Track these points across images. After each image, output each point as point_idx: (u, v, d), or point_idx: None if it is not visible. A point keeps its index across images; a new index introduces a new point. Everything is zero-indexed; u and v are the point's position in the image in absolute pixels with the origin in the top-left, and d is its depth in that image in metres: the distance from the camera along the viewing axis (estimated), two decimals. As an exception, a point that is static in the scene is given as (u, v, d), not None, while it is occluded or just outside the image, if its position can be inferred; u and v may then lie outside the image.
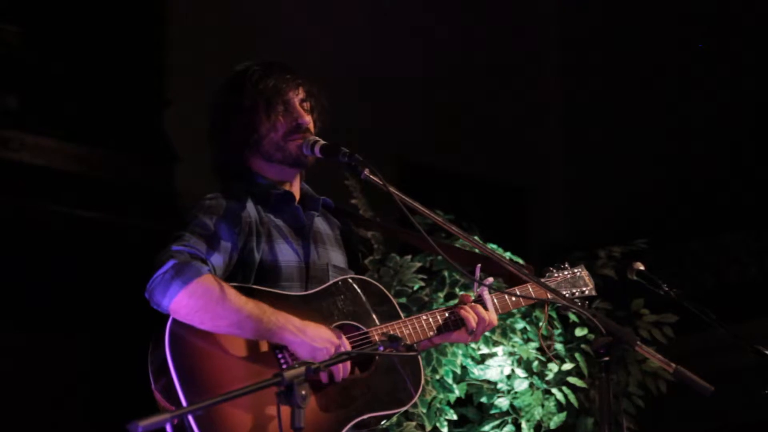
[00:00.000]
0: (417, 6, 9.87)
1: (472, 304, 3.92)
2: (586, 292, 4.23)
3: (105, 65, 7.97)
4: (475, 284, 3.91)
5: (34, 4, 7.82)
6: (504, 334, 5.61)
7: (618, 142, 10.05)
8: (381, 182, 3.59)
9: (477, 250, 3.93)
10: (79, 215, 7.73)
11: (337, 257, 3.92)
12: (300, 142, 3.80)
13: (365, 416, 3.62)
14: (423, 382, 3.77)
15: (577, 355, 5.71)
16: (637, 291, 5.02)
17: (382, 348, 3.29)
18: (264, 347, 3.55)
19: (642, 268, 4.21)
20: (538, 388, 5.62)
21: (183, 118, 8.14)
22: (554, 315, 5.81)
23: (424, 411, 5.48)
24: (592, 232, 9.27)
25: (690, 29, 9.72)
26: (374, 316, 3.78)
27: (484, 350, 5.57)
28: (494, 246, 5.41)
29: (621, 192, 10.03)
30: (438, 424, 5.50)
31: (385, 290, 3.86)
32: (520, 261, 5.50)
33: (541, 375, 5.64)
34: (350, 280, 3.83)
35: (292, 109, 3.83)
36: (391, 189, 3.53)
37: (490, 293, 3.95)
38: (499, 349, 5.59)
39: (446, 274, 5.70)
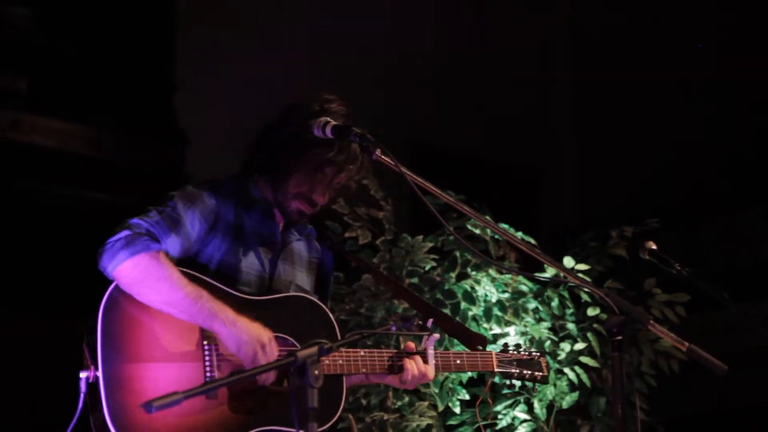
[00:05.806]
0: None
1: (415, 355, 3.92)
2: (538, 378, 4.26)
3: (115, 47, 7.97)
4: (424, 337, 3.92)
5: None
6: (516, 314, 5.61)
7: (629, 123, 10.02)
8: (393, 162, 3.56)
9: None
10: (89, 197, 7.74)
11: (302, 278, 3.93)
12: (302, 210, 3.81)
13: (264, 428, 3.60)
14: (342, 407, 3.73)
15: (589, 334, 5.70)
16: (649, 270, 5.00)
17: (394, 328, 3.28)
18: (194, 336, 3.58)
19: (654, 247, 4.20)
20: (550, 368, 5.61)
21: (194, 101, 8.14)
22: (566, 295, 5.81)
23: (437, 391, 5.49)
24: (604, 213, 9.25)
25: (700, 14, 9.69)
26: (313, 339, 3.75)
27: (497, 330, 5.57)
28: (506, 226, 5.40)
29: (633, 173, 10.01)
30: (450, 404, 5.51)
31: (332, 318, 3.84)
32: (532, 241, 5.50)
33: (554, 354, 5.64)
34: (301, 298, 3.82)
35: (321, 185, 3.81)
36: (403, 169, 3.51)
37: (434, 349, 3.96)
38: (511, 329, 5.59)
39: (458, 254, 5.69)
